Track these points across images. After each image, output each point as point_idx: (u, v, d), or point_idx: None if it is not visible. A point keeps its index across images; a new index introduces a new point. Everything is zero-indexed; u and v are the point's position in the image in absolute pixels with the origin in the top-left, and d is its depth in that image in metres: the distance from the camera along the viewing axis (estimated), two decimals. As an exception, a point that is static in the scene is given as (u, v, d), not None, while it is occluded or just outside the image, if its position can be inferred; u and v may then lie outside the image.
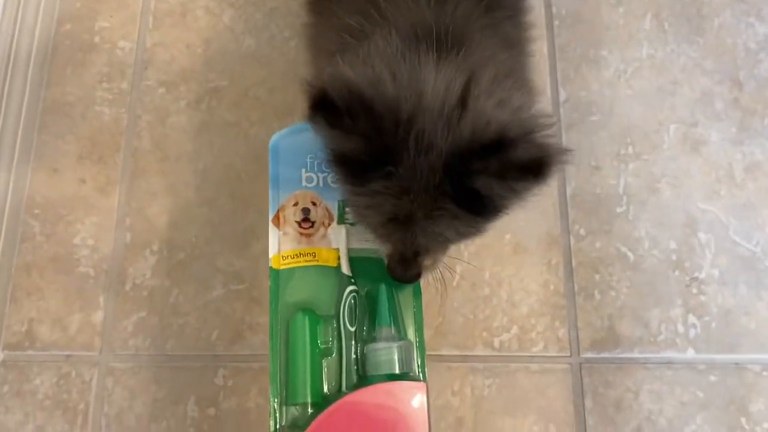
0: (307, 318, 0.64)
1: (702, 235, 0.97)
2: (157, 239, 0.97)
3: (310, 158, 0.67)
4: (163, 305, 0.94)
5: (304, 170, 0.67)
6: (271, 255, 0.66)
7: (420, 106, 0.53)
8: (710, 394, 0.89)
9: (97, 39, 1.08)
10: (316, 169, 0.67)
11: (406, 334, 0.67)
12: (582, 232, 0.97)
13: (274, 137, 0.67)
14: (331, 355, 0.64)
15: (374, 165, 0.55)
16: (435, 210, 0.56)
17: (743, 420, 0.88)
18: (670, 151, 1.02)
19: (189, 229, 0.97)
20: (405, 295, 0.67)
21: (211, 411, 0.89)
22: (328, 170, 0.65)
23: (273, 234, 0.66)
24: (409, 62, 0.56)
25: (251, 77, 1.05)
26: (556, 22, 1.08)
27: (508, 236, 0.97)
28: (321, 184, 0.67)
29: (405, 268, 0.64)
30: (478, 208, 0.57)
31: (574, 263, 0.96)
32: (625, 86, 1.05)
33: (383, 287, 0.65)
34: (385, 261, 0.66)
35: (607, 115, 1.03)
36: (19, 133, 0.99)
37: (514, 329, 0.92)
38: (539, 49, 1.06)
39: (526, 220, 0.97)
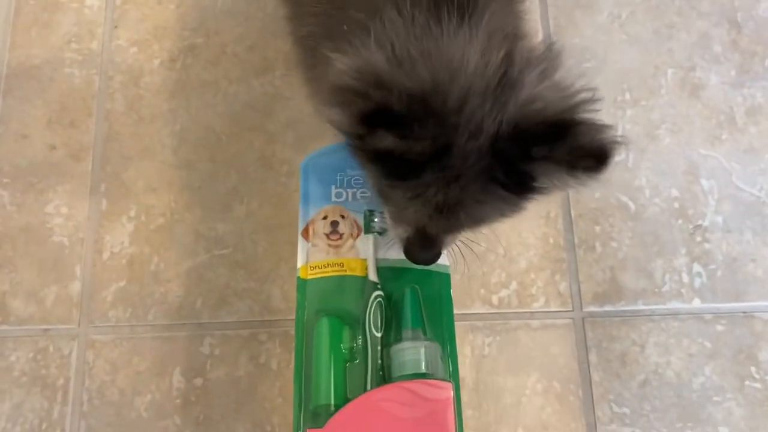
0: (330, 322, 0.64)
1: (704, 182, 0.93)
2: (135, 205, 0.92)
3: (340, 176, 0.70)
4: (143, 273, 0.89)
5: (333, 187, 0.69)
6: (299, 265, 0.67)
7: (464, 88, 0.49)
8: (718, 344, 0.86)
9: (63, -2, 1.02)
10: (345, 186, 0.69)
11: (433, 337, 0.65)
12: (580, 182, 0.93)
13: (306, 159, 0.71)
14: (355, 360, 0.64)
15: (433, 160, 0.50)
16: (483, 195, 0.53)
17: (753, 369, 0.85)
18: (668, 96, 0.98)
19: (167, 194, 0.92)
20: (433, 302, 0.67)
21: (198, 381, 0.84)
22: (358, 185, 0.69)
23: (302, 246, 0.68)
24: (434, 35, 0.51)
25: (228, 34, 1.00)
26: (546, -33, 1.03)
27: (503, 189, 0.92)
28: (350, 198, 0.69)
29: (426, 249, 0.62)
30: (528, 191, 0.54)
31: (573, 215, 0.92)
32: (619, 31, 1.01)
33: (409, 290, 0.65)
34: (402, 244, 0.63)
35: (601, 61, 0.99)
36: (-17, 98, 0.94)
37: (513, 285, 0.88)
38: (529, -4, 1.02)
39: (521, 172, 0.93)
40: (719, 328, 0.87)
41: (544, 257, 0.90)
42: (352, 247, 0.68)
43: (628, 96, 0.97)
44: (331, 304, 0.66)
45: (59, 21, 1.01)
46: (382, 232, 0.67)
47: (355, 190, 0.70)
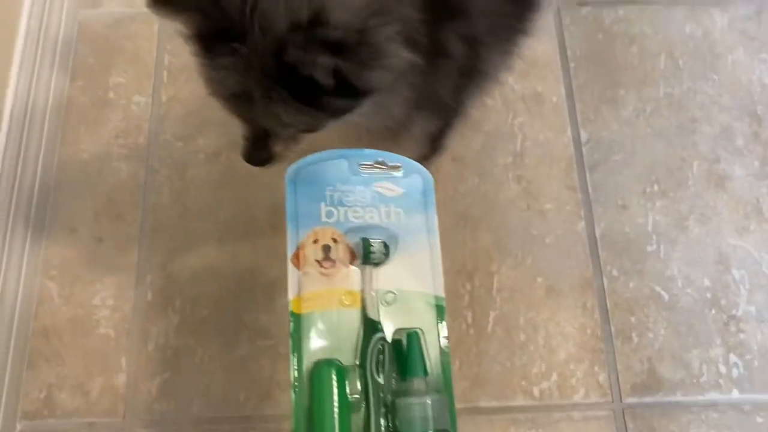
0: (333, 370, 0.60)
1: (735, 272, 0.96)
2: (180, 296, 0.94)
3: (330, 190, 0.63)
4: (187, 365, 0.90)
5: (323, 204, 0.63)
6: (290, 298, 0.61)
7: None
8: (759, 437, 0.87)
9: (111, 95, 1.06)
10: (336, 203, 0.63)
11: (436, 385, 0.61)
12: (614, 272, 0.95)
13: (290, 168, 0.63)
14: (359, 410, 0.60)
15: (220, 39, 0.56)
16: (269, 90, 0.58)
17: (795, 462, 0.86)
18: (695, 187, 1.01)
19: (212, 285, 0.95)
20: (432, 340, 0.62)
21: (243, 476, 0.85)
22: (350, 203, 0.64)
23: (292, 275, 0.61)
24: None
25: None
26: (572, 64, 1.08)
27: (540, 279, 0.95)
28: (342, 218, 0.63)
29: (256, 150, 0.67)
30: (302, 92, 0.58)
31: (609, 305, 0.94)
32: (644, 125, 1.05)
33: (414, 334, 0.61)
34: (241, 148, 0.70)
35: (629, 153, 1.03)
36: (35, 193, 0.97)
37: (554, 376, 0.89)
38: (556, 91, 1.07)
39: (557, 263, 0.95)
40: (759, 419, 0.88)
41: (583, 348, 0.91)
42: (347, 276, 0.62)
43: (656, 188, 1.01)
44: (327, 341, 0.61)
45: (108, 117, 1.05)
46: (379, 263, 0.62)
47: (347, 208, 0.64)
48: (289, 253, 0.61)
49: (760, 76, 1.08)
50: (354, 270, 0.61)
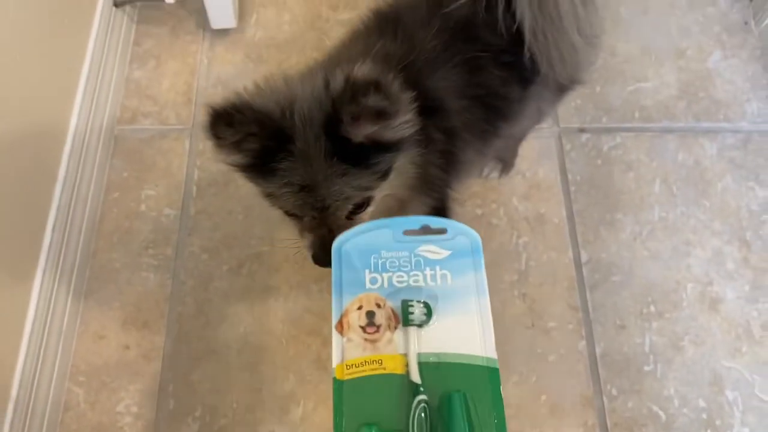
0: None
1: (729, 393, 1.01)
2: (200, 405, 0.99)
3: (374, 258, 0.65)
4: (205, 475, 0.94)
5: (368, 271, 0.65)
6: (334, 365, 0.62)
7: (295, 95, 0.68)
8: None
9: (143, 207, 1.14)
10: (380, 269, 0.65)
11: None
12: (614, 392, 1.00)
13: (337, 240, 0.65)
14: None
15: (275, 148, 0.67)
16: (330, 169, 0.68)
17: None
18: (689, 309, 1.07)
19: (231, 395, 0.99)
20: (484, 406, 0.60)
21: None
22: (394, 268, 0.66)
23: (336, 342, 0.62)
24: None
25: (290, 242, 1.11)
26: (573, 188, 1.16)
27: (543, 397, 0.99)
28: (385, 284, 0.64)
29: (324, 252, 0.73)
30: (357, 159, 0.69)
31: (609, 424, 0.98)
32: (641, 247, 1.12)
33: (456, 396, 0.59)
34: (309, 255, 0.75)
35: (627, 275, 1.10)
36: (69, 300, 1.03)
37: (557, 495, 0.93)
38: (558, 213, 1.14)
39: (560, 381, 1.00)
40: None
41: (584, 466, 0.95)
42: (390, 341, 0.63)
43: (653, 308, 1.07)
44: (369, 407, 0.60)
45: (139, 228, 1.12)
46: (421, 324, 0.62)
47: (390, 273, 0.64)
48: (334, 321, 0.62)
49: (747, 203, 1.15)
50: (398, 334, 0.62)
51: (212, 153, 0.69)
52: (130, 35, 1.30)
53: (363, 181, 0.71)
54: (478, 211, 1.14)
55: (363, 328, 0.62)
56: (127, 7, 1.28)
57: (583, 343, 1.04)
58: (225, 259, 1.10)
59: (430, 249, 0.64)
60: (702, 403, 1.00)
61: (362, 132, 0.67)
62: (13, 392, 0.90)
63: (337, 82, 0.68)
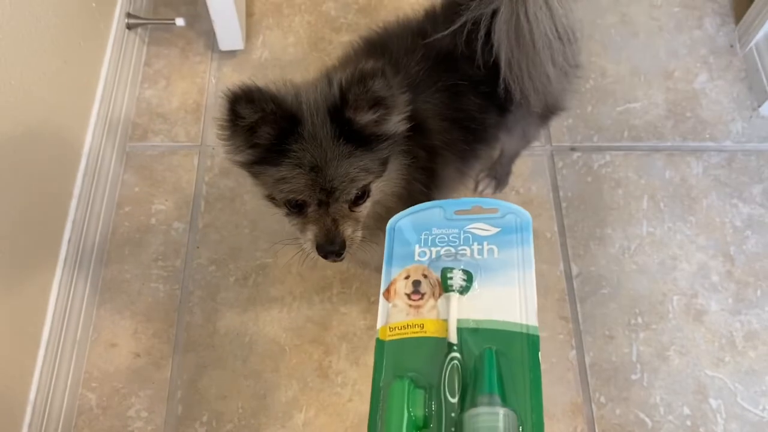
0: (404, 384, 0.61)
1: (712, 401, 1.05)
2: (207, 411, 1.04)
3: (425, 234, 0.69)
4: (212, 477, 0.99)
5: (417, 246, 0.69)
6: (378, 326, 0.65)
7: (300, 90, 0.75)
8: None
9: (153, 220, 1.19)
10: (428, 245, 0.68)
11: (515, 407, 0.57)
12: (602, 399, 1.05)
13: (393, 219, 0.70)
14: (429, 425, 0.58)
15: (288, 130, 0.72)
16: (337, 149, 0.73)
17: None
18: (675, 320, 1.12)
19: (236, 401, 1.04)
20: (519, 368, 0.59)
21: None
22: (442, 243, 0.69)
23: (382, 306, 0.66)
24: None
25: (294, 254, 1.16)
26: (564, 204, 1.22)
27: (534, 405, 1.04)
28: (433, 256, 0.68)
29: (329, 242, 0.77)
30: (360, 141, 0.74)
31: (597, 430, 1.03)
32: (629, 261, 1.17)
33: (489, 352, 0.60)
34: (313, 246, 0.79)
35: (616, 287, 1.15)
36: (83, 310, 1.08)
37: (547, 497, 0.97)
38: (550, 228, 1.19)
39: (551, 389, 1.05)
40: None
41: (573, 471, 1.00)
42: (434, 307, 0.65)
43: (640, 320, 1.11)
44: (408, 366, 0.62)
45: (149, 241, 1.17)
46: (462, 291, 0.64)
47: (438, 248, 0.67)
48: (383, 289, 0.66)
49: (731, 219, 1.20)
50: (440, 302, 0.64)
51: (224, 149, 0.75)
52: (141, 56, 1.36)
53: (366, 162, 0.76)
54: (474, 226, 1.20)
55: (408, 296, 0.65)
56: (139, 30, 1.34)
57: (573, 353, 1.09)
58: (231, 271, 1.15)
59: (480, 226, 0.67)
60: (687, 411, 1.05)
61: (365, 116, 0.73)
62: (31, 396, 0.95)
63: (342, 75, 0.73)
